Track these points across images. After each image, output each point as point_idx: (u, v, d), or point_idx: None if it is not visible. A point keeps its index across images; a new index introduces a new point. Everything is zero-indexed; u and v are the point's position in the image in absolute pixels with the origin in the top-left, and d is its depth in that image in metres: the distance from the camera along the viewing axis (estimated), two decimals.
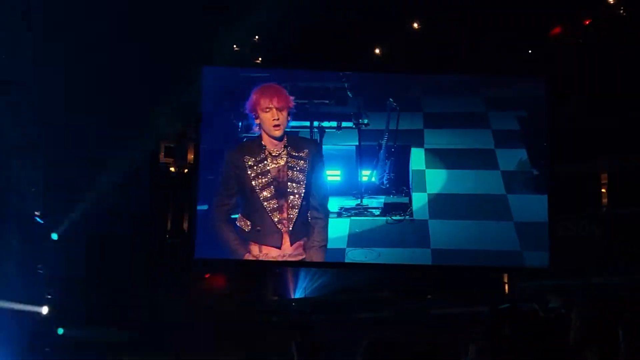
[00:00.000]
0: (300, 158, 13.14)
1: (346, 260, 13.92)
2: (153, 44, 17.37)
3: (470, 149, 13.87)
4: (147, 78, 17.41)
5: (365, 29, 17.24)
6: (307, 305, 19.20)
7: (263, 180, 13.08)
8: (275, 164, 13.09)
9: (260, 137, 13.09)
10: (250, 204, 13.23)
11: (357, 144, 14.25)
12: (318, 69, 14.97)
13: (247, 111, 12.97)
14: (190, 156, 18.57)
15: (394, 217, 13.69)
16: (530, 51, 18.22)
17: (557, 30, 18.60)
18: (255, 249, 13.42)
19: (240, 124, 14.05)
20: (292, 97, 13.03)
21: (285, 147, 13.11)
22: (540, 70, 16.35)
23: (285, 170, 13.10)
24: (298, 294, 19.48)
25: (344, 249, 13.62)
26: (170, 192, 18.94)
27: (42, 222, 15.71)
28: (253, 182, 13.09)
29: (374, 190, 13.79)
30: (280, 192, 13.15)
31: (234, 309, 19.81)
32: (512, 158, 14.23)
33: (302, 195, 13.14)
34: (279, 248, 13.36)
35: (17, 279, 15.94)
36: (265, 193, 13.12)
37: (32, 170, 15.63)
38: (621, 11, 17.51)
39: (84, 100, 16.51)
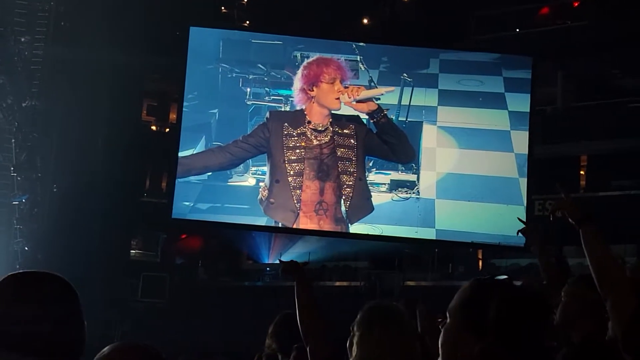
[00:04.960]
0: (347, 135, 12.74)
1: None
2: (143, 2, 17.11)
3: (485, 129, 13.47)
4: (134, 36, 17.18)
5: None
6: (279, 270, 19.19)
7: (296, 153, 12.67)
8: (319, 140, 12.72)
9: (302, 111, 12.73)
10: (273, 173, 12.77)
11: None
12: (309, 36, 14.62)
13: (302, 84, 12.48)
14: (173, 116, 18.32)
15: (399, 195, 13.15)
16: (518, 30, 18.28)
17: (545, 10, 18.66)
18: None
19: (248, 90, 13.44)
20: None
21: (330, 123, 12.70)
22: (528, 50, 16.31)
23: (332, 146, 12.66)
24: (272, 259, 19.47)
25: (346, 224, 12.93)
26: (150, 150, 18.67)
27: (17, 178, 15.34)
28: (285, 152, 12.65)
29: (381, 166, 13.17)
30: (321, 171, 12.72)
31: (207, 271, 19.80)
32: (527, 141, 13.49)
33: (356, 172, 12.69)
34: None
35: None
36: (294, 167, 12.68)
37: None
38: None
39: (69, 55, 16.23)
